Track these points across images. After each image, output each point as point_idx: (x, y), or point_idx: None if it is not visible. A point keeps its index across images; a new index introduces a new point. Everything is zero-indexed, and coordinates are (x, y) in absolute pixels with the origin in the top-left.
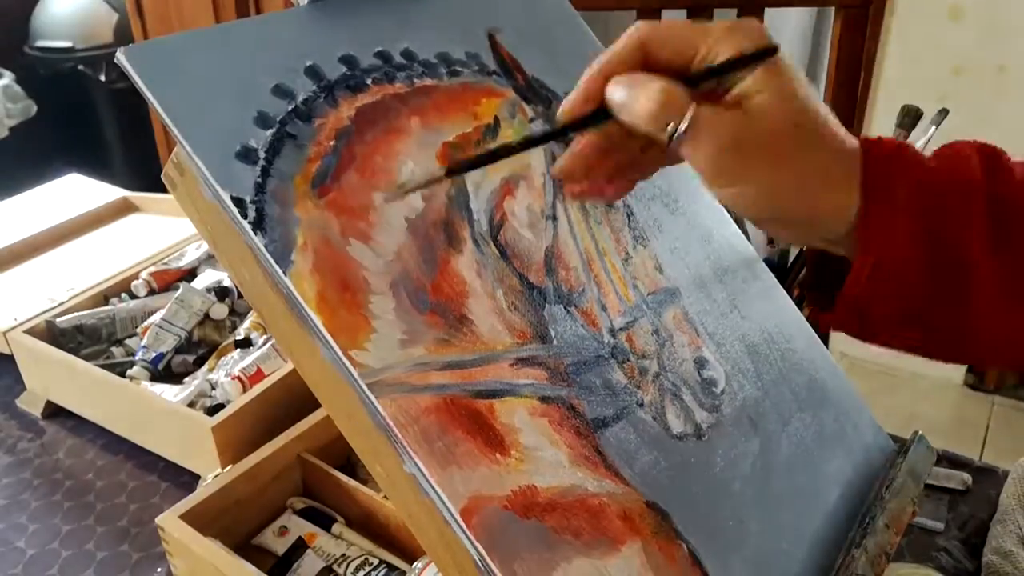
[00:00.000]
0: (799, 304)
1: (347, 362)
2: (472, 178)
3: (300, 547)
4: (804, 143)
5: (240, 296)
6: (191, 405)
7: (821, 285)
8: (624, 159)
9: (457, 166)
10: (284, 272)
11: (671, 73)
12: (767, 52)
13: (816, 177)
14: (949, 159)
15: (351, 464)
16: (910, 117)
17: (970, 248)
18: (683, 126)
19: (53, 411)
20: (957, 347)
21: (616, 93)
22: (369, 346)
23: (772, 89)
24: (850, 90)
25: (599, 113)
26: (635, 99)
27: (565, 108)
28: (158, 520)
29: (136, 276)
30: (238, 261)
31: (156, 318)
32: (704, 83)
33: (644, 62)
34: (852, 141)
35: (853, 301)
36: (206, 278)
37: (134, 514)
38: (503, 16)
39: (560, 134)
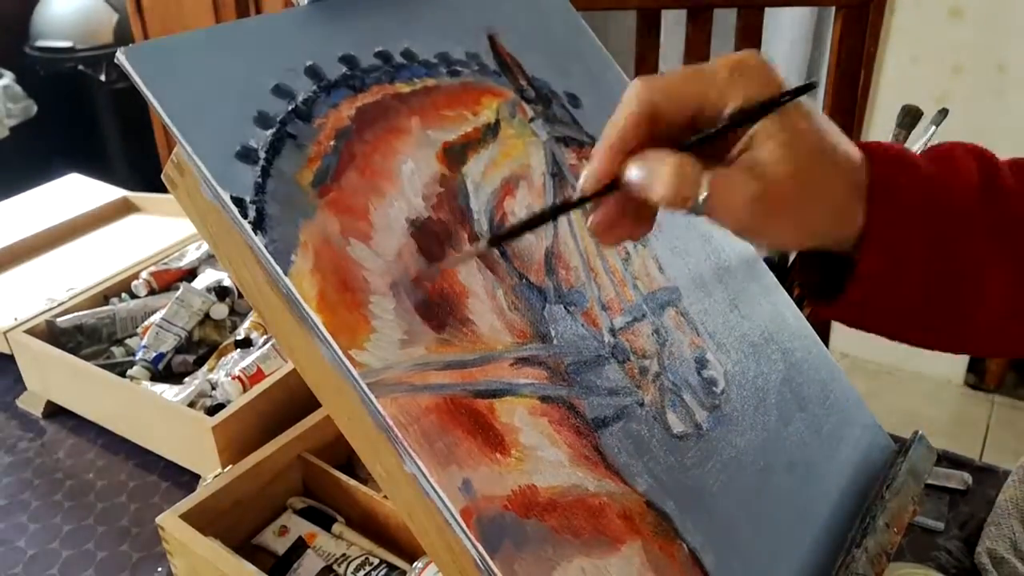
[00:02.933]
0: (799, 304)
1: (347, 362)
2: (472, 178)
3: (300, 547)
4: (821, 177)
5: (240, 296)
6: (191, 405)
7: (814, 276)
8: (643, 207)
9: (497, 238)
10: (284, 272)
11: (681, 128)
12: (773, 103)
13: (836, 201)
14: (946, 162)
15: (351, 464)
16: (910, 117)
17: (971, 247)
18: (702, 197)
19: (53, 411)
20: (958, 340)
21: (632, 173)
22: (369, 346)
23: (780, 136)
24: (850, 90)
25: (615, 184)
26: (651, 180)
27: (585, 184)
28: (158, 520)
29: (136, 276)
30: (238, 261)
31: (156, 318)
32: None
33: (653, 122)
34: (857, 153)
35: (858, 300)
36: (206, 278)
37: (134, 514)
38: (503, 16)
39: (584, 202)
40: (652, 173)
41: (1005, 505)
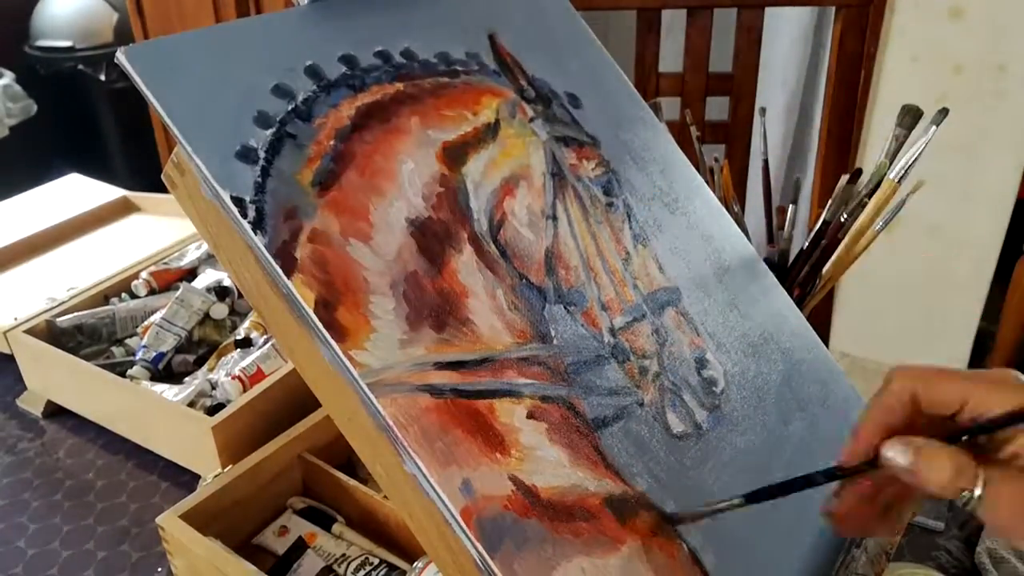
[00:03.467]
0: (799, 304)
1: (347, 362)
2: (472, 178)
3: (300, 547)
4: None
5: (240, 296)
6: (191, 405)
7: None
8: (889, 498)
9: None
10: (284, 272)
11: (936, 423)
12: None
13: None
14: None
15: (351, 464)
16: (910, 117)
17: None
18: (977, 493)
19: (53, 411)
20: None
21: (899, 457)
22: (369, 346)
23: None
24: (850, 90)
25: (874, 463)
26: (926, 467)
27: (845, 457)
28: (158, 520)
29: (136, 276)
30: (238, 261)
31: (156, 318)
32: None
33: (913, 410)
34: None
35: None
36: (206, 278)
37: (134, 514)
38: (503, 16)
39: (836, 478)
40: (925, 458)
41: None
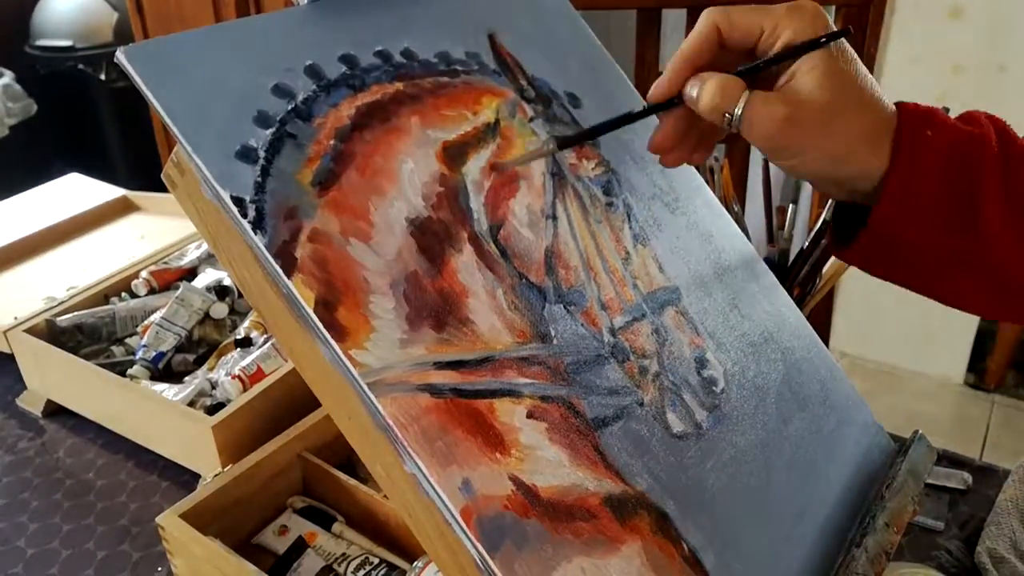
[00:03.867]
0: (799, 304)
1: (347, 362)
2: (472, 178)
3: (300, 546)
4: (851, 110)
5: (240, 295)
6: (191, 404)
7: (840, 224)
8: (703, 131)
9: (564, 142)
10: (284, 272)
11: (742, 53)
12: (815, 42)
13: (863, 133)
14: (971, 122)
15: (351, 463)
16: None
17: (983, 186)
18: (737, 112)
19: (53, 410)
20: (962, 296)
21: (688, 87)
22: (369, 346)
23: (820, 68)
24: None
25: (675, 100)
26: (699, 93)
27: (653, 95)
28: (158, 519)
29: (136, 275)
30: (238, 261)
31: (156, 317)
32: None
33: (718, 46)
34: (890, 104)
35: (879, 225)
36: (206, 277)
37: (134, 513)
38: (503, 16)
39: (647, 113)
40: (701, 86)
41: (1005, 505)
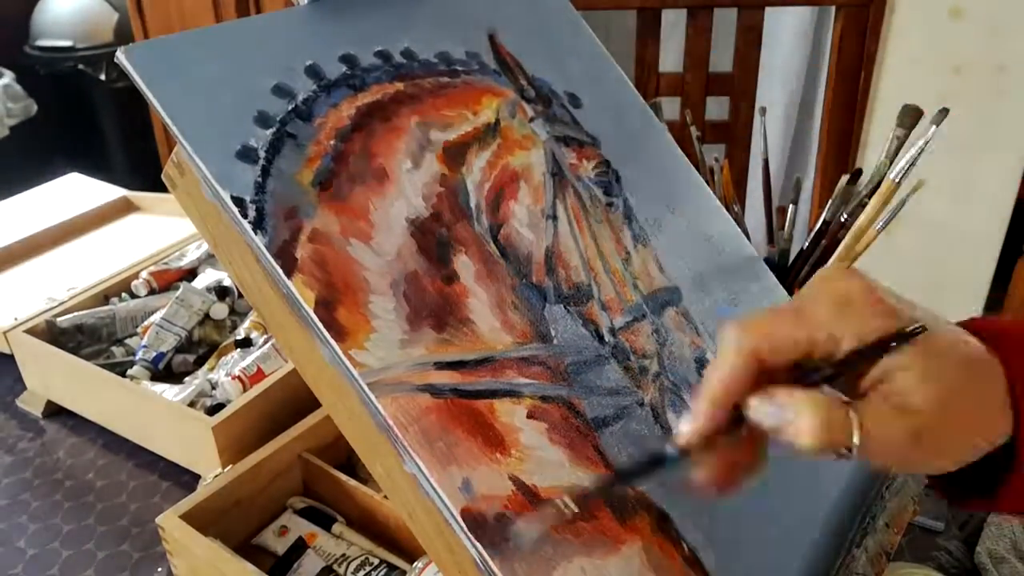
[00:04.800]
0: None
1: (347, 362)
2: (472, 178)
3: (300, 547)
4: (969, 399)
5: (240, 296)
6: (191, 405)
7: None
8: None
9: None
10: (284, 272)
11: (789, 370)
12: (895, 339)
13: (990, 412)
14: None
15: (351, 464)
16: (910, 117)
17: None
18: (855, 442)
19: (53, 411)
20: None
21: (763, 415)
22: (369, 346)
23: (918, 366)
24: (850, 90)
25: (736, 425)
26: (791, 426)
27: (689, 440)
28: (158, 520)
29: (136, 276)
30: (238, 261)
31: (156, 318)
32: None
33: (758, 372)
34: (984, 352)
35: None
36: (206, 278)
37: (134, 514)
38: (503, 16)
39: (684, 457)
40: (793, 417)
41: None
